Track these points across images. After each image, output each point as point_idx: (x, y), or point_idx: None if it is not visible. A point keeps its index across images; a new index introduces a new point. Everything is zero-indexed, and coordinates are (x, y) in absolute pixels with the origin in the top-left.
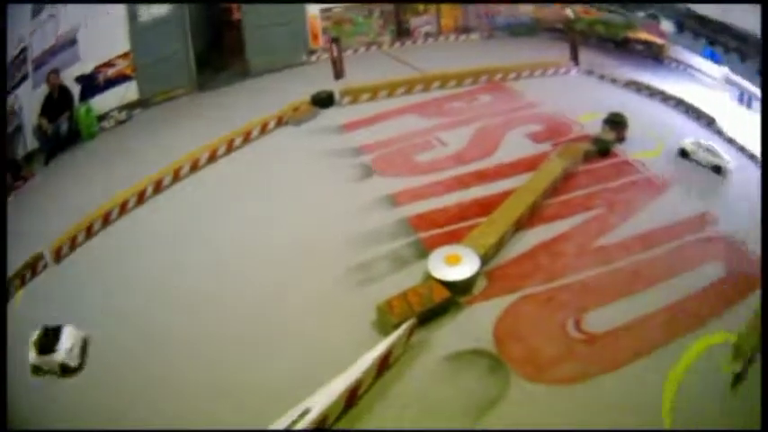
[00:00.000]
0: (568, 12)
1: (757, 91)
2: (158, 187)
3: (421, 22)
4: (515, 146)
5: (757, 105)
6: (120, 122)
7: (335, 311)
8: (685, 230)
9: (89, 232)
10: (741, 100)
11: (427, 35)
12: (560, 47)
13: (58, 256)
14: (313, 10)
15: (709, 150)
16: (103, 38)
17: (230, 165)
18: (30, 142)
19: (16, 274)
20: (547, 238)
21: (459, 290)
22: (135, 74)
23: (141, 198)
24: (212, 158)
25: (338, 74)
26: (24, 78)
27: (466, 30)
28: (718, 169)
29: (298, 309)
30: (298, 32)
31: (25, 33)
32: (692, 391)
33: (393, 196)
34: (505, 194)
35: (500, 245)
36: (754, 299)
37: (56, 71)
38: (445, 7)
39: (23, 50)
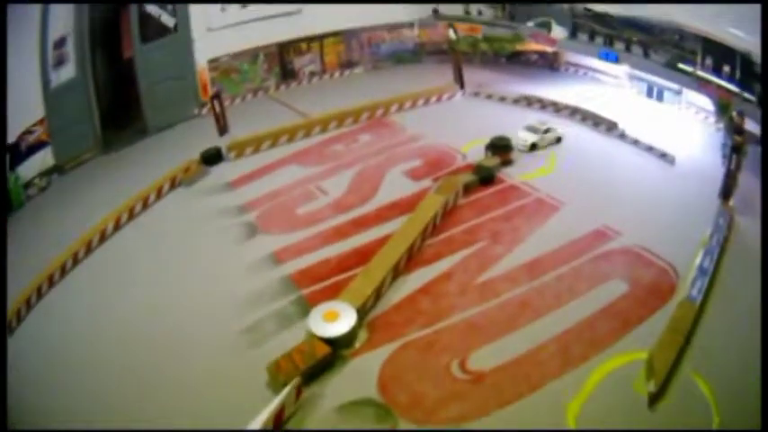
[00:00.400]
0: (450, 33)
1: (666, 83)
2: (75, 260)
3: (305, 61)
4: (395, 186)
5: (669, 96)
6: (42, 189)
7: (231, 374)
8: (581, 249)
9: (28, 305)
10: (650, 93)
11: (312, 74)
12: (447, 69)
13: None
14: (201, 62)
15: (547, 130)
16: (24, 104)
17: (132, 232)
18: None
19: None
20: (427, 280)
21: (341, 344)
22: (50, 139)
23: (63, 271)
24: (117, 227)
25: (222, 130)
26: None
27: (350, 64)
28: (559, 139)
29: (196, 374)
30: (188, 86)
31: None
32: (601, 415)
33: (276, 254)
34: (384, 240)
35: (379, 294)
36: (664, 311)
37: None
38: (327, 44)
39: None
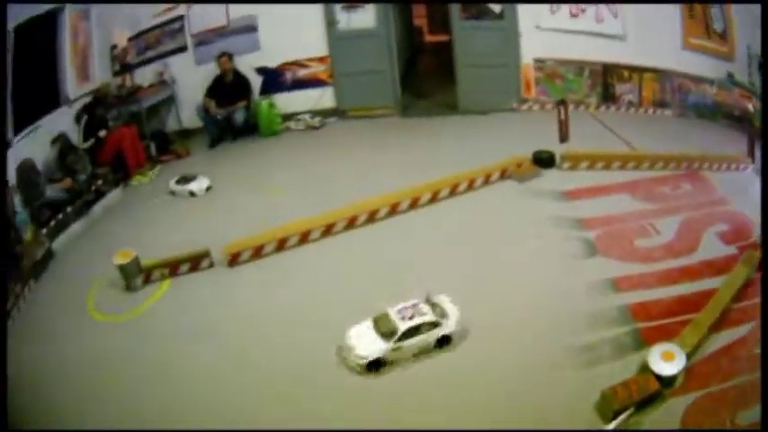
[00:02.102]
0: (749, 105)
1: None
2: (372, 217)
3: (625, 89)
4: (711, 244)
5: None
6: (313, 128)
7: (553, 389)
8: None
9: (258, 251)
10: None
11: (630, 104)
12: (732, 136)
13: (233, 261)
14: (526, 58)
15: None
16: (293, 34)
17: (449, 211)
18: (187, 119)
19: (172, 261)
20: (728, 341)
21: (667, 383)
22: (333, 81)
23: (352, 223)
24: (434, 199)
25: (563, 137)
26: (181, 50)
27: (662, 104)
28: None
29: (512, 383)
30: (510, 78)
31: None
32: None
33: (615, 281)
34: (706, 295)
35: (699, 345)
36: None
37: (229, 55)
38: (646, 78)
39: (179, 19)
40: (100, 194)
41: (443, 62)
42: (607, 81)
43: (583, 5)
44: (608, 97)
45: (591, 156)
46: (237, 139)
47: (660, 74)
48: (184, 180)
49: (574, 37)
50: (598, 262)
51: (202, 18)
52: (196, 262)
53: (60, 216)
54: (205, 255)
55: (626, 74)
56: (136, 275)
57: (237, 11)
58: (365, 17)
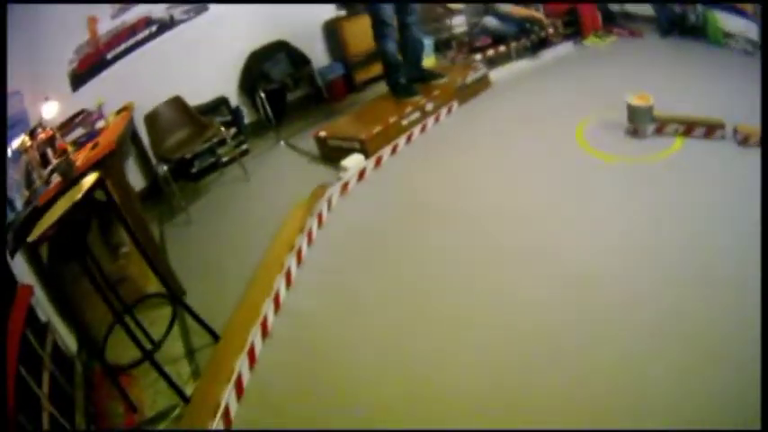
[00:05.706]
0: None
1: None
2: None
3: None
4: None
5: None
6: (746, 51)
7: None
8: None
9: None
10: None
11: None
12: None
13: (744, 142)
14: None
15: None
16: None
17: None
18: (632, 5)
19: None
20: None
21: None
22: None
23: None
24: None
25: None
26: None
27: None
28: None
29: None
30: None
31: None
32: None
33: None
34: None
35: None
36: None
37: None
38: None
39: None
40: (544, 42)
41: None
42: None
43: None
44: None
45: None
46: (685, 36)
47: None
48: None
49: None
50: None
51: None
52: (711, 130)
53: (502, 47)
54: (720, 125)
55: None
56: (647, 123)
57: None
58: None
